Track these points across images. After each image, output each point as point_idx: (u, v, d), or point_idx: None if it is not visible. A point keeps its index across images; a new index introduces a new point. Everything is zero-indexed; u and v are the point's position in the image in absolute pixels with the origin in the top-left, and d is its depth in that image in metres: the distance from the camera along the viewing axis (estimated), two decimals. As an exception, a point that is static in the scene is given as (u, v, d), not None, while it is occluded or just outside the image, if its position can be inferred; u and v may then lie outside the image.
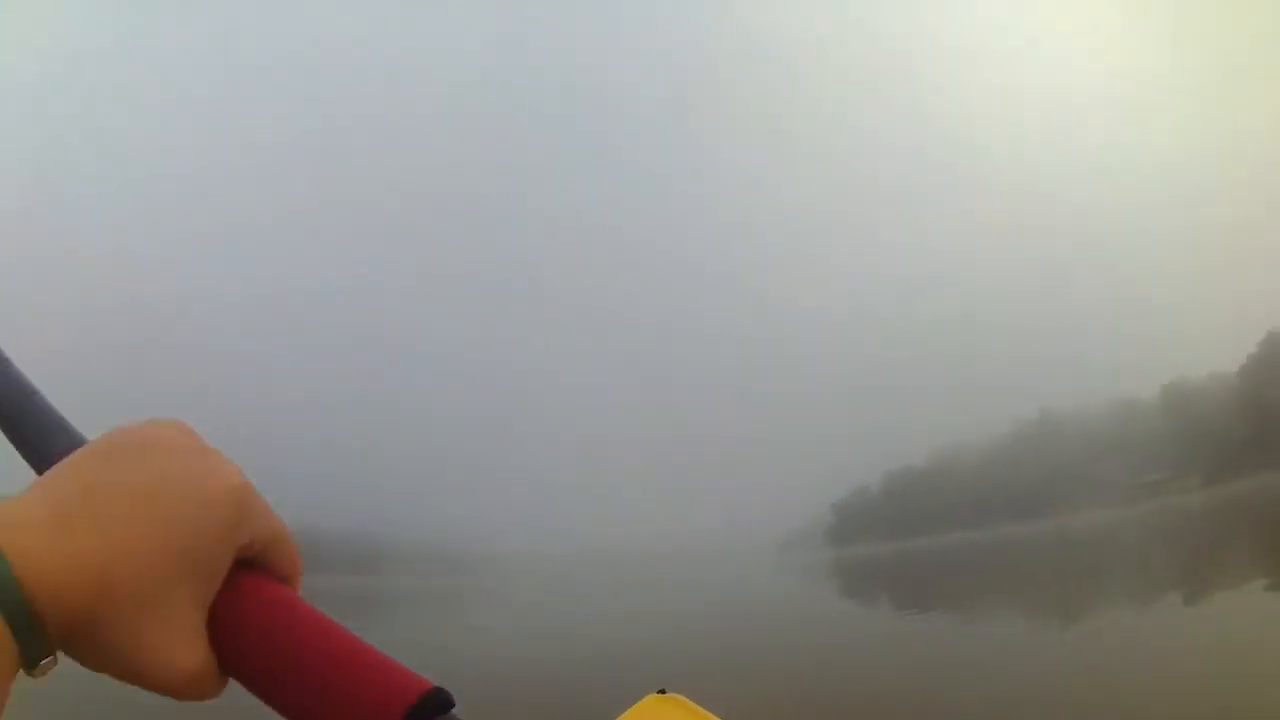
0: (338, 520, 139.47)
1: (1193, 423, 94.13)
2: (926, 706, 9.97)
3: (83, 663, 0.43)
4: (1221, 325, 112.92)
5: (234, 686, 0.47)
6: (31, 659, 0.40)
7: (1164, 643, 12.50)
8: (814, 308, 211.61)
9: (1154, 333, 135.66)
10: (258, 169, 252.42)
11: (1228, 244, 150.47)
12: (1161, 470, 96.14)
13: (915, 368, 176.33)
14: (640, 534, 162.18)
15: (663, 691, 0.65)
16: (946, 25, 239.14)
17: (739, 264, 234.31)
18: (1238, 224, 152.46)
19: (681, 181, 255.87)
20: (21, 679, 0.40)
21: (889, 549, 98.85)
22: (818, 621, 24.23)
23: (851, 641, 17.75)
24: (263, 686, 0.46)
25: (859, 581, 45.98)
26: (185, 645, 0.43)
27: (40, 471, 0.48)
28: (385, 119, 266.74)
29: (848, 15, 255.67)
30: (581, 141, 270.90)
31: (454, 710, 0.44)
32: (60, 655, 0.41)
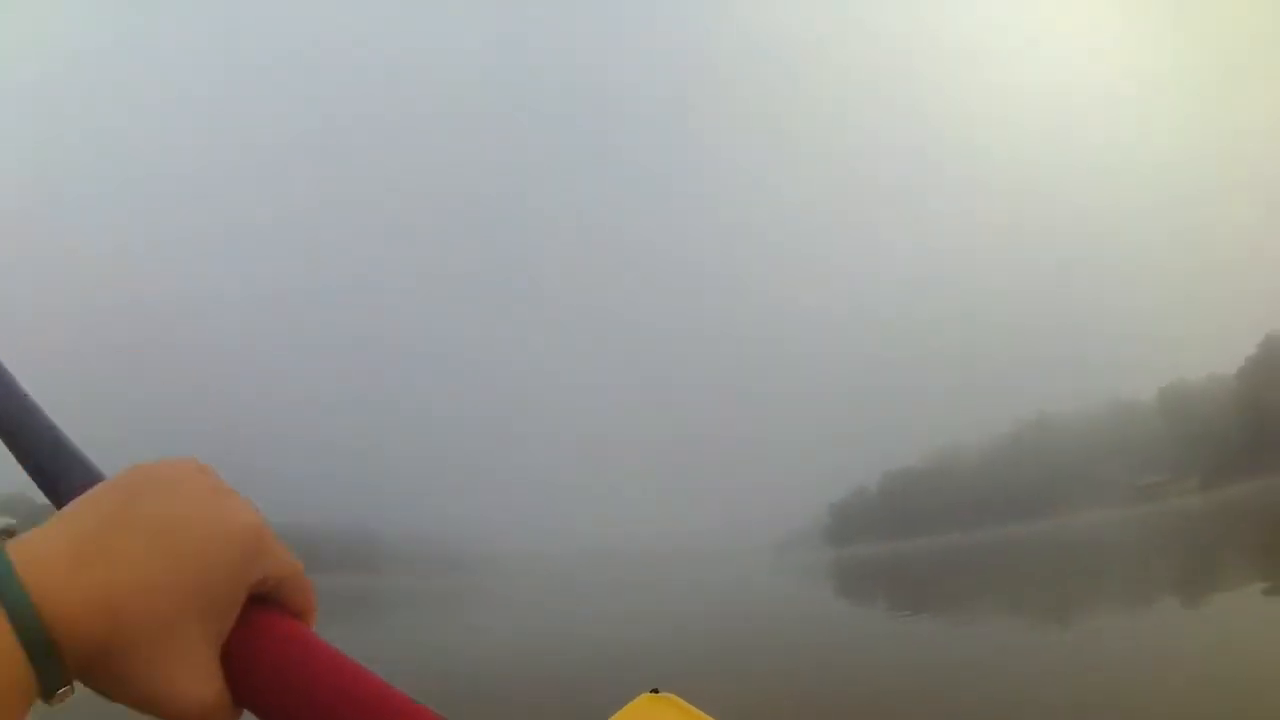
0: (338, 520, 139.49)
1: (1191, 425, 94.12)
2: (925, 707, 10.01)
3: (99, 692, 0.44)
4: (1220, 327, 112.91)
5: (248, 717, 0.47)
6: (49, 688, 0.41)
7: (1162, 645, 12.53)
8: (814, 308, 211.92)
9: (1153, 334, 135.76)
10: (258, 169, 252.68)
11: (1227, 245, 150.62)
12: (1160, 472, 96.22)
13: (915, 368, 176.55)
14: (640, 534, 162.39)
15: (655, 691, 0.67)
16: (946, 25, 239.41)
17: (739, 264, 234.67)
18: (1237, 225, 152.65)
19: (681, 181, 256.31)
20: (39, 706, 0.41)
21: (888, 549, 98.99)
22: (816, 622, 24.26)
23: (850, 642, 17.78)
24: None
25: (858, 582, 46.03)
26: (198, 679, 0.44)
27: (59, 506, 0.49)
28: (385, 119, 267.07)
29: (848, 15, 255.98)
30: (581, 141, 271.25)
31: None
32: (77, 685, 0.42)
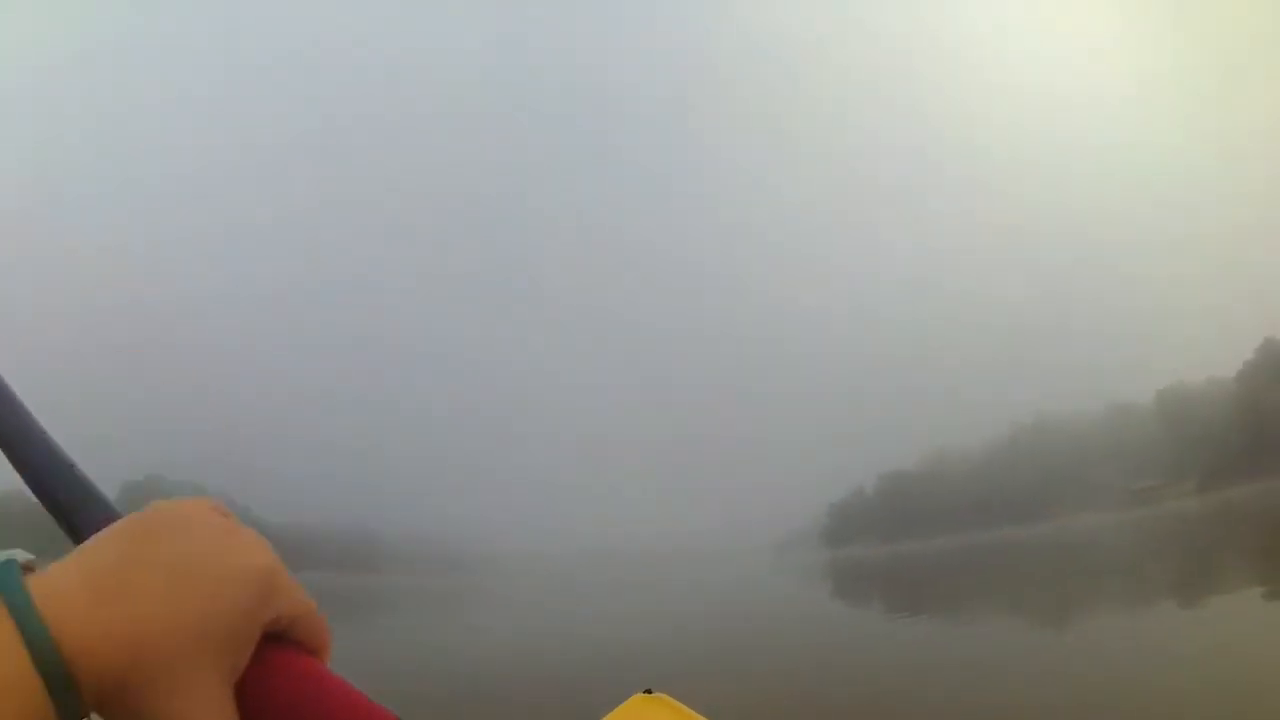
0: (338, 519, 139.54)
1: (1189, 428, 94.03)
2: (923, 707, 10.07)
3: None
4: (1219, 330, 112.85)
5: None
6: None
7: (1159, 647, 12.59)
8: (814, 308, 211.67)
9: (1151, 336, 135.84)
10: (258, 169, 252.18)
11: (1227, 248, 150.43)
12: (1158, 475, 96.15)
13: (913, 369, 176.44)
14: (640, 534, 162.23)
15: (649, 691, 0.66)
16: (946, 25, 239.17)
17: (739, 264, 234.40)
18: (1237, 228, 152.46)
19: (681, 181, 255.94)
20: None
21: (886, 550, 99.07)
22: (815, 622, 24.34)
23: (849, 642, 17.85)
24: None
25: (856, 583, 46.13)
26: (213, 715, 0.45)
27: (76, 541, 0.51)
28: (385, 119, 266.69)
29: (848, 15, 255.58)
30: (581, 141, 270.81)
31: None
32: (93, 718, 0.43)
